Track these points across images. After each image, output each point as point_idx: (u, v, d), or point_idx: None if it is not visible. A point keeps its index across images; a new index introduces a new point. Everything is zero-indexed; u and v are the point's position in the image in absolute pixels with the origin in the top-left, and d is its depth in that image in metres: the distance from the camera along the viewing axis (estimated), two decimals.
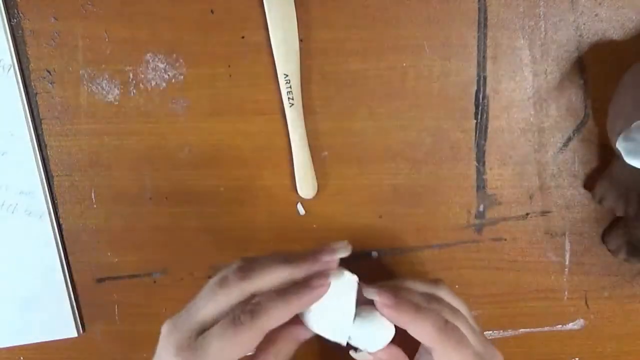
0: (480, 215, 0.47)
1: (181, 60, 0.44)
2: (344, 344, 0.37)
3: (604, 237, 0.47)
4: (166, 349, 0.34)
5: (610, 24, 0.42)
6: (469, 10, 0.43)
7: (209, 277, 0.49)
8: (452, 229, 0.47)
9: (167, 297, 0.50)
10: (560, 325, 0.49)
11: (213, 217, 0.48)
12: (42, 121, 0.46)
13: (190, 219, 0.48)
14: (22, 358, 0.52)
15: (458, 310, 0.38)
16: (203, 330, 0.34)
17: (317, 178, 0.46)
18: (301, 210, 0.47)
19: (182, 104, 0.45)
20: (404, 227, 0.47)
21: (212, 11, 0.43)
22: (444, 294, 0.39)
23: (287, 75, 0.43)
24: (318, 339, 0.37)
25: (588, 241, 0.47)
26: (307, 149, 0.45)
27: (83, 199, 0.48)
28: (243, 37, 0.44)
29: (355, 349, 0.38)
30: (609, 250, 0.46)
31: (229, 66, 0.44)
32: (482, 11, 0.43)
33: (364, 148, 0.46)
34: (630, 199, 0.43)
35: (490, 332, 0.50)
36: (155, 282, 0.49)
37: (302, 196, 0.46)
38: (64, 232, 0.49)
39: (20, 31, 0.44)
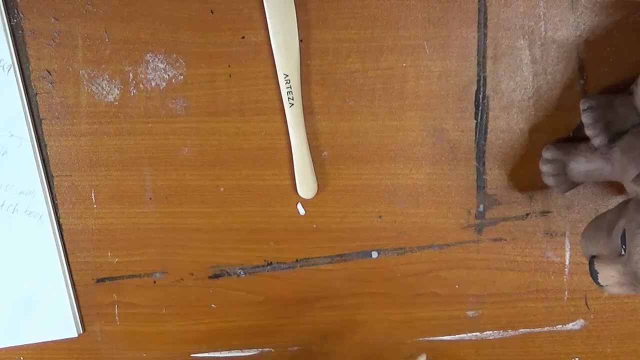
0: (480, 215, 0.47)
1: (181, 60, 0.44)
2: None
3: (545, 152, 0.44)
4: None
5: (610, 24, 0.42)
6: (469, 10, 0.43)
7: (209, 277, 0.49)
8: (452, 229, 0.47)
9: (167, 297, 0.50)
10: (560, 325, 0.49)
11: (213, 217, 0.48)
12: (42, 121, 0.46)
13: (190, 219, 0.48)
14: (22, 358, 0.52)
15: None
16: None
17: (317, 178, 0.46)
18: (301, 210, 0.47)
19: (182, 104, 0.45)
20: (404, 227, 0.47)
21: (212, 11, 0.43)
22: None
23: (287, 75, 0.43)
24: None
25: None
26: (307, 149, 0.45)
27: (83, 199, 0.48)
28: (243, 37, 0.44)
29: None
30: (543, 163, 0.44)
31: (229, 66, 0.44)
32: (482, 11, 0.43)
33: (364, 148, 0.46)
34: (609, 130, 0.40)
35: (490, 332, 0.50)
36: (155, 282, 0.49)
37: (302, 196, 0.46)
38: (64, 232, 0.48)
39: (20, 31, 0.44)
